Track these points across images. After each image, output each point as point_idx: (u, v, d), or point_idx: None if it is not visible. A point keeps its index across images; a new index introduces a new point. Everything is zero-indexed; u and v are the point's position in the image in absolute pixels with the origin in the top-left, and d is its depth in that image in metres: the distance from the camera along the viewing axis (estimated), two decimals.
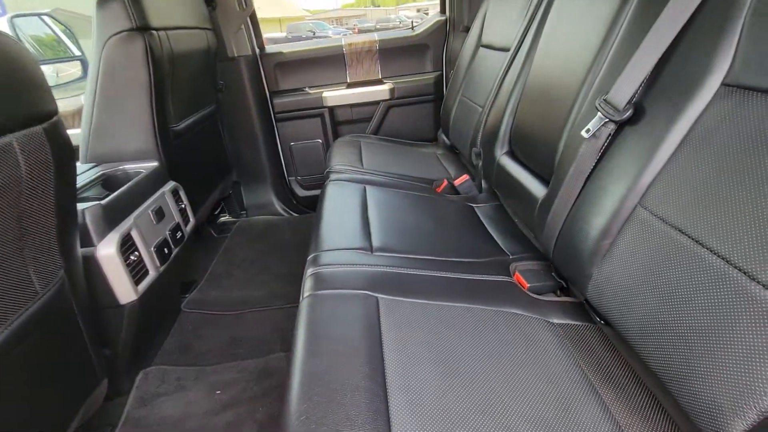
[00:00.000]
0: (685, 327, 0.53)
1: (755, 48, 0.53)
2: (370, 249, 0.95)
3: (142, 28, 1.13)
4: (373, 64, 1.90)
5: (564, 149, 0.85)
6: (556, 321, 0.79)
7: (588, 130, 0.74)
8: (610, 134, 0.71)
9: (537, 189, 0.97)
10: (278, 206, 2.10)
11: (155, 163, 1.19)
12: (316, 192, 1.74)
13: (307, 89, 1.92)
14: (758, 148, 0.49)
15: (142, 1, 1.14)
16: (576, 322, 0.79)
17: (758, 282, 0.45)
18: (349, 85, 1.93)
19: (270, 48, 1.90)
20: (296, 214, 2.10)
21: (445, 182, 1.40)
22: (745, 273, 0.47)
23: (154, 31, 1.17)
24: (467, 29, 1.71)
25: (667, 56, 0.64)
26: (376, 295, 0.78)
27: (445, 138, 1.85)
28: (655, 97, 0.65)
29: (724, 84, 0.57)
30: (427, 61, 1.93)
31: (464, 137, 1.51)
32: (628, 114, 0.67)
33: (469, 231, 1.11)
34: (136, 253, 0.99)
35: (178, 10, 1.36)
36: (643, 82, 0.67)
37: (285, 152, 2.07)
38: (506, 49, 1.33)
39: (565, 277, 0.85)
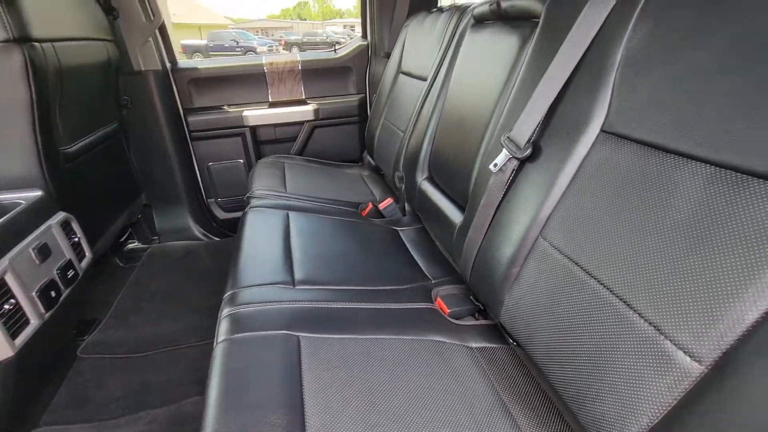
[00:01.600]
0: (581, 351, 0.58)
1: (624, 101, 0.61)
2: (292, 283, 0.92)
3: (21, 39, 0.99)
4: (296, 84, 1.87)
5: (476, 180, 0.90)
6: (474, 345, 0.82)
7: (495, 165, 0.79)
8: (514, 169, 0.77)
9: (455, 215, 1.02)
10: (196, 230, 1.96)
11: (39, 193, 1.04)
12: (239, 214, 1.65)
13: (225, 107, 1.83)
14: (629, 190, 0.57)
15: (21, 9, 1.00)
16: (492, 345, 0.83)
17: (635, 311, 0.51)
18: (272, 105, 1.88)
19: (183, 63, 1.78)
20: (217, 238, 1.97)
21: (370, 205, 1.41)
22: (625, 302, 0.53)
23: (36, 43, 1.03)
24: (388, 55, 1.77)
25: (557, 102, 0.72)
26: (297, 334, 0.75)
27: (370, 159, 1.87)
28: (549, 137, 0.72)
29: (602, 131, 0.64)
30: (351, 84, 1.95)
31: (388, 160, 1.55)
32: (527, 152, 0.74)
33: (394, 257, 1.12)
34: (12, 300, 0.85)
35: (68, 20, 1.22)
36: (538, 124, 0.73)
37: (203, 173, 1.94)
38: (424, 78, 1.39)
39: (481, 301, 0.90)
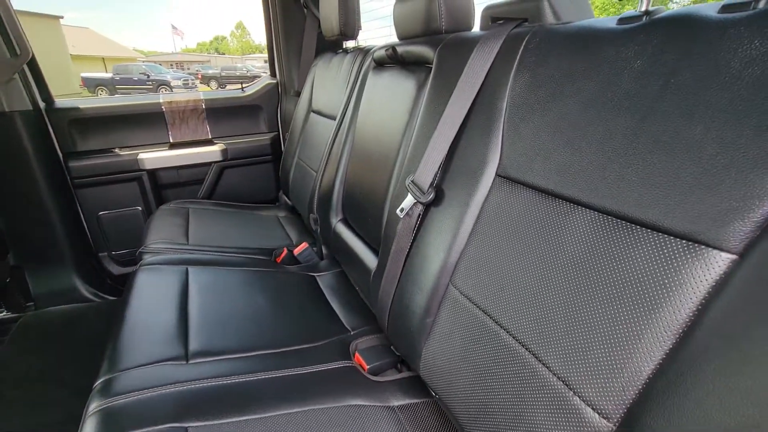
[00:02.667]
0: (496, 404, 0.55)
1: (513, 146, 0.62)
2: (185, 357, 0.79)
3: None
4: (200, 123, 1.74)
5: (387, 223, 0.87)
6: (396, 404, 0.76)
7: (402, 210, 0.77)
8: (420, 214, 0.75)
9: (370, 259, 0.98)
10: (85, 290, 1.68)
11: None
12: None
13: (117, 150, 1.64)
14: (526, 234, 0.56)
15: None
16: (415, 400, 0.78)
17: (544, 364, 0.49)
18: (173, 146, 1.72)
19: (62, 102, 1.57)
20: (112, 297, 1.71)
21: (285, 251, 1.32)
22: (534, 355, 0.51)
23: None
24: (298, 93, 1.73)
25: (455, 146, 0.72)
26: (186, 425, 0.63)
27: (287, 199, 1.78)
28: (451, 181, 0.71)
29: (498, 175, 0.65)
30: (262, 122, 1.87)
31: (303, 201, 1.48)
32: (431, 197, 0.72)
33: (309, 309, 1.04)
34: None
35: None
36: (439, 167, 0.72)
37: (92, 224, 1.69)
38: (333, 117, 1.36)
39: (401, 353, 0.85)
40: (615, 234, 0.45)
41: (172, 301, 0.95)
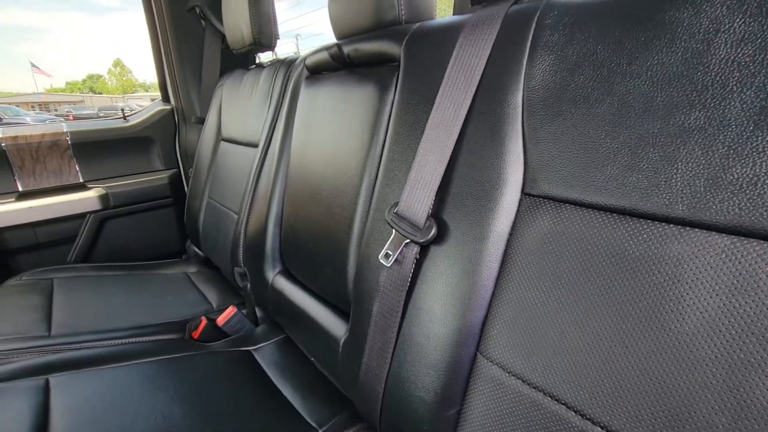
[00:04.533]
0: None
1: (542, 156, 0.44)
2: None
3: None
4: (65, 163, 1.32)
5: (359, 276, 0.63)
6: None
7: (388, 255, 0.54)
8: (416, 258, 0.53)
9: (335, 324, 0.72)
10: None
11: None
12: None
13: None
14: (594, 270, 0.38)
15: None
16: None
17: None
18: (23, 196, 1.26)
19: None
20: None
21: (204, 321, 0.98)
22: None
23: None
24: (201, 120, 1.42)
25: (453, 163, 0.52)
26: None
27: (196, 250, 1.42)
28: (454, 210, 0.51)
29: (526, 194, 0.46)
30: (156, 158, 1.50)
31: (222, 251, 1.15)
32: (432, 233, 0.51)
33: (253, 407, 0.73)
34: None
35: None
36: (435, 193, 0.52)
37: None
38: (254, 144, 1.10)
39: None
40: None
41: None
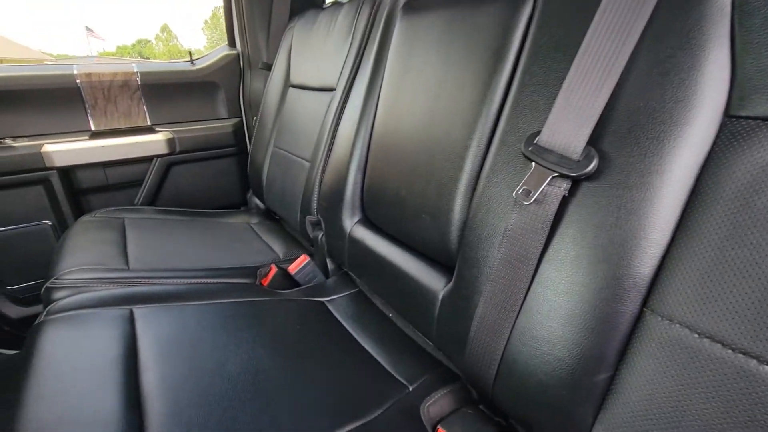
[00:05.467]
0: None
1: (760, 65, 0.34)
2: None
3: None
4: (134, 104, 1.30)
5: (472, 221, 0.56)
6: None
7: (527, 192, 0.46)
8: (564, 195, 0.44)
9: (428, 276, 0.65)
10: None
11: None
12: None
13: (8, 141, 1.15)
14: None
15: None
16: None
17: None
18: (96, 135, 1.27)
19: None
20: (10, 351, 1.21)
21: (274, 269, 0.95)
22: None
23: None
24: (269, 67, 1.36)
25: (623, 81, 0.43)
26: None
27: (258, 202, 1.39)
28: (619, 140, 0.42)
29: (730, 116, 0.37)
30: (220, 105, 1.47)
31: (289, 201, 1.11)
32: (592, 165, 0.42)
33: (336, 356, 0.69)
34: None
35: None
36: (597, 117, 0.43)
37: None
38: (329, 89, 1.03)
39: (522, 423, 0.53)
40: None
41: (109, 373, 0.55)
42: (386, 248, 0.75)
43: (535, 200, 0.46)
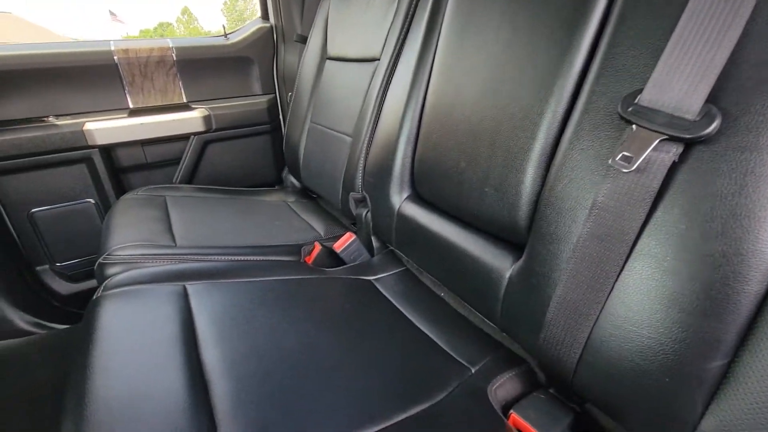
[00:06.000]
0: None
1: None
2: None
3: None
4: (170, 81, 1.29)
5: (549, 194, 0.51)
6: None
7: (626, 158, 0.41)
8: (674, 161, 0.39)
9: (492, 254, 0.61)
10: (20, 319, 1.21)
11: None
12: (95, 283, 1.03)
13: (51, 119, 1.16)
14: None
15: None
16: None
17: None
18: (134, 113, 1.26)
19: None
20: (61, 325, 1.25)
21: (318, 247, 0.93)
22: None
23: None
24: (304, 39, 1.31)
25: (749, 29, 0.37)
26: None
27: (294, 180, 1.37)
28: (749, 91, 0.36)
29: None
30: (254, 80, 1.44)
31: (329, 178, 1.08)
32: (714, 125, 0.37)
33: (389, 336, 0.66)
34: None
35: None
36: (719, 69, 0.37)
37: (21, 226, 1.21)
38: (372, 59, 0.98)
39: (607, 406, 0.49)
40: None
41: (171, 349, 0.54)
42: (440, 225, 0.72)
43: (636, 168, 0.41)
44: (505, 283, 0.58)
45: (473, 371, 0.60)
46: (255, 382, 0.51)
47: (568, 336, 0.47)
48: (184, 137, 1.31)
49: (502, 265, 0.59)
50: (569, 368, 0.48)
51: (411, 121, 0.80)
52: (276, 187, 1.46)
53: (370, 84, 0.96)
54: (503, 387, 0.57)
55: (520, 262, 0.56)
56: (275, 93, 1.47)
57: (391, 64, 0.90)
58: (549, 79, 0.54)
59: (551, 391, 0.57)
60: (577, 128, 0.49)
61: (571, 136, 0.49)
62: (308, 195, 1.34)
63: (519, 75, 0.58)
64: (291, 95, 1.33)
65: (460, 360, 0.62)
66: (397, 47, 0.89)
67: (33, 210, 1.19)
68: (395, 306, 0.76)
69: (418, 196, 0.81)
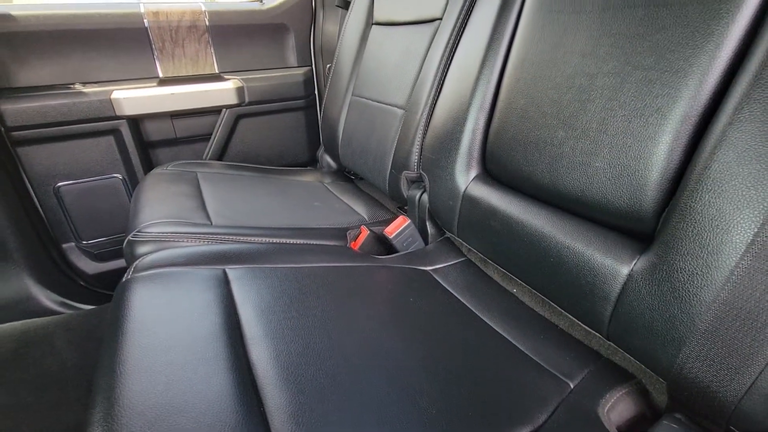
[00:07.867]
0: None
1: None
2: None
3: None
4: (202, 49, 1.19)
5: (707, 172, 0.39)
6: None
7: None
8: None
9: (602, 247, 0.50)
10: (46, 298, 1.16)
11: None
12: (122, 263, 0.96)
13: (77, 86, 1.08)
14: None
15: None
16: None
17: None
18: (163, 82, 1.17)
19: None
20: (88, 306, 1.19)
21: (365, 231, 0.83)
22: None
23: None
24: (347, 4, 1.20)
25: None
26: None
27: (329, 160, 1.27)
28: None
29: None
30: (290, 51, 1.33)
31: (374, 156, 0.98)
32: None
33: (473, 343, 0.56)
34: None
35: None
36: None
37: (46, 201, 1.15)
38: (430, 20, 0.86)
39: None
40: None
41: (214, 344, 0.45)
42: (522, 210, 0.60)
43: None
44: (621, 282, 0.46)
45: (572, 387, 0.49)
46: (315, 393, 0.42)
47: (736, 354, 0.36)
48: (216, 110, 1.22)
49: (617, 259, 0.47)
50: (732, 394, 0.37)
51: (485, 87, 0.68)
52: (309, 168, 1.36)
53: (429, 48, 0.84)
54: (615, 409, 0.46)
55: (649, 256, 0.44)
56: (311, 65, 1.36)
57: (458, 23, 0.78)
58: (705, 25, 0.41)
59: (678, 416, 0.45)
60: (757, 74, 0.36)
61: (739, 99, 0.37)
62: (345, 176, 1.24)
63: (659, 24, 0.45)
64: (330, 67, 1.22)
65: (553, 371, 0.51)
66: (466, 3, 0.77)
67: (59, 184, 1.13)
68: (462, 302, 0.65)
69: (489, 175, 0.69)
